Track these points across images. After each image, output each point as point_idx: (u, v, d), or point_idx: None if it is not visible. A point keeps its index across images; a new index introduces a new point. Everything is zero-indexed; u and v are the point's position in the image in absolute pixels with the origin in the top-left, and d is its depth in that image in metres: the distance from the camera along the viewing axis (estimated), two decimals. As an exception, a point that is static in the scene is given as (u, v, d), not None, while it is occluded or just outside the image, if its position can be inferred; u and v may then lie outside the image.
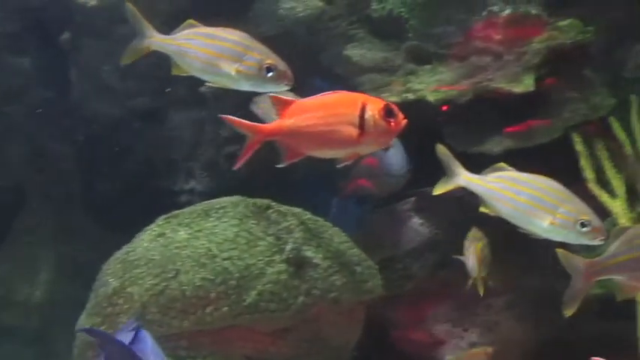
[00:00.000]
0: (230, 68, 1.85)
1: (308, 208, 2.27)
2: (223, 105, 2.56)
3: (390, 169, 2.52)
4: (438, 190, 1.92)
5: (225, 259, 2.06)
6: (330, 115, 1.85)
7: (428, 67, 2.48)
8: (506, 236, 1.98)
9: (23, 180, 3.15)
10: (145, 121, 3.03)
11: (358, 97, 1.88)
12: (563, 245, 1.80)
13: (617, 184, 2.23)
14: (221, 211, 2.20)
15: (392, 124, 1.84)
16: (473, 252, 2.14)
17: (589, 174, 2.23)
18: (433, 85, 2.40)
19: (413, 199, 2.52)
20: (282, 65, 1.84)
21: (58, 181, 3.16)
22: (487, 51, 2.40)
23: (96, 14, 2.93)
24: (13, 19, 3.03)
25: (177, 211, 2.25)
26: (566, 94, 2.33)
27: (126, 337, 1.28)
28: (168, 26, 1.97)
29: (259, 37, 1.90)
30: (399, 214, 2.52)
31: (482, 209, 1.86)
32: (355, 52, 2.57)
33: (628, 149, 2.25)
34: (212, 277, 2.03)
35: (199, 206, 2.25)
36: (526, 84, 2.28)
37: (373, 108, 1.83)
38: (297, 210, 2.24)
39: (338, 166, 1.94)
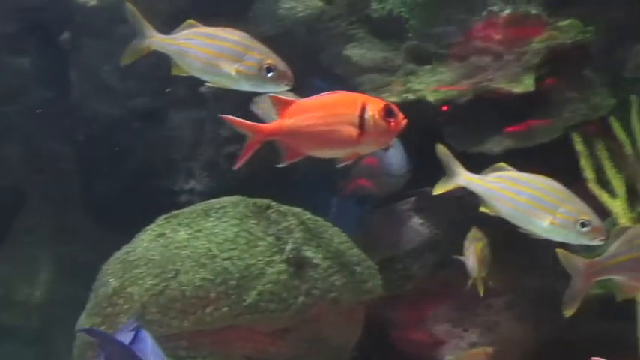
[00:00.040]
0: (230, 68, 1.85)
1: (308, 208, 2.27)
2: (223, 105, 2.56)
3: (389, 169, 2.52)
4: (438, 190, 1.92)
5: (225, 259, 2.06)
6: (330, 115, 1.85)
7: (428, 67, 2.48)
8: (506, 236, 1.98)
9: (23, 180, 3.15)
10: (145, 121, 3.03)
11: (358, 97, 1.88)
12: (562, 245, 1.80)
13: (617, 184, 2.23)
14: (221, 211, 2.20)
15: (392, 124, 1.84)
16: (473, 252, 2.14)
17: (589, 174, 2.23)
18: (433, 85, 2.39)
19: (413, 199, 2.52)
20: (282, 65, 1.84)
21: (57, 181, 3.16)
22: (487, 51, 2.40)
23: (96, 14, 2.93)
24: (13, 19, 3.03)
25: (177, 211, 2.25)
26: (566, 94, 2.33)
27: (126, 337, 1.28)
28: (168, 26, 1.97)
29: (259, 37, 1.90)
30: (398, 214, 2.52)
31: (482, 209, 1.86)
32: (355, 52, 2.56)
33: (628, 149, 2.25)
34: (212, 277, 2.03)
35: (199, 206, 2.25)
36: (526, 84, 2.28)
37: (373, 108, 1.83)
38: (297, 210, 2.24)
39: (338, 166, 1.94)
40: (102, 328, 2.05)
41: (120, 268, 2.13)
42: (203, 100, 2.83)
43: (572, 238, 1.77)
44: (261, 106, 2.33)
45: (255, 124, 1.92)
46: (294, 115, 1.87)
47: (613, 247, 1.77)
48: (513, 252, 2.27)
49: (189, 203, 2.43)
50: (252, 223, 2.16)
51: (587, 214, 1.75)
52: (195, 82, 2.05)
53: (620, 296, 1.81)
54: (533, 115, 2.32)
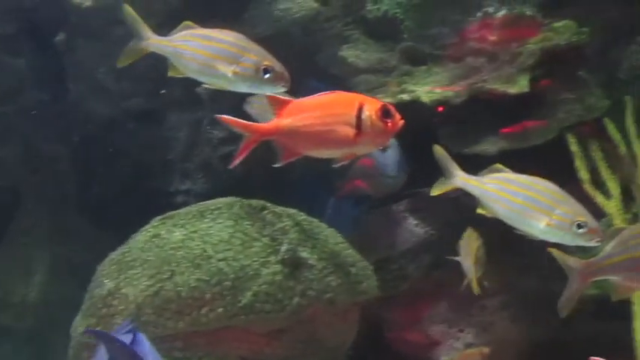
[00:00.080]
0: (227, 70, 1.85)
1: (304, 208, 2.27)
2: (219, 106, 2.56)
3: (385, 169, 2.52)
4: (435, 191, 1.92)
5: (220, 260, 2.06)
6: (327, 115, 1.85)
7: (423, 68, 2.48)
8: (501, 237, 1.99)
9: (18, 181, 3.15)
10: (141, 121, 3.03)
11: (355, 98, 1.88)
12: (557, 246, 1.80)
13: (612, 185, 2.23)
14: (216, 212, 2.20)
15: (389, 124, 1.84)
16: (468, 253, 2.14)
17: (584, 175, 2.23)
18: (428, 86, 2.40)
19: (408, 199, 2.52)
20: (278, 67, 1.84)
21: (53, 182, 3.16)
22: (482, 52, 2.40)
23: (91, 15, 2.93)
24: (8, 20, 3.03)
25: (172, 212, 2.24)
26: (561, 95, 2.33)
27: (124, 340, 1.28)
28: (164, 28, 1.97)
29: (255, 38, 1.90)
30: (394, 215, 2.52)
31: (479, 210, 1.86)
32: (350, 53, 2.57)
33: (623, 150, 2.25)
34: (207, 278, 2.03)
35: (194, 207, 2.25)
36: (521, 85, 2.29)
37: (370, 108, 1.83)
38: (292, 211, 2.24)
39: (334, 167, 1.94)
40: (97, 329, 2.05)
41: (115, 269, 2.13)
42: (199, 101, 2.83)
43: (568, 240, 1.77)
44: (255, 106, 2.34)
45: (252, 123, 1.92)
46: (291, 114, 1.87)
47: (609, 247, 1.77)
48: (509, 253, 2.27)
49: (184, 204, 2.43)
50: (248, 224, 2.16)
51: (583, 215, 1.75)
52: (191, 83, 2.05)
53: (615, 297, 1.81)
54: (528, 116, 2.32)
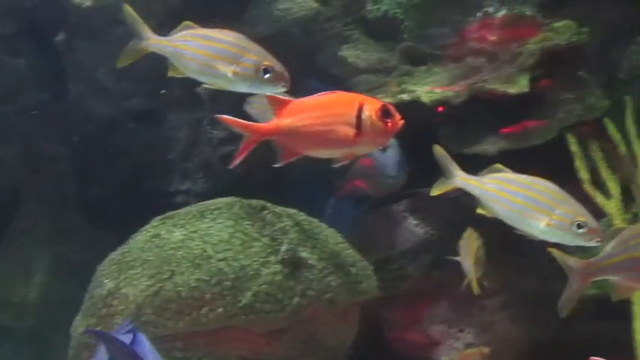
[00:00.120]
0: (227, 70, 1.85)
1: (304, 209, 2.27)
2: (219, 106, 2.56)
3: (385, 169, 2.52)
4: (436, 191, 1.92)
5: (220, 260, 2.06)
6: (327, 115, 1.85)
7: (423, 68, 2.48)
8: (501, 237, 1.99)
9: (18, 181, 3.15)
10: (141, 121, 3.03)
11: (355, 98, 1.88)
12: (557, 246, 1.80)
13: (612, 185, 2.23)
14: (216, 212, 2.19)
15: (389, 124, 1.84)
16: (468, 253, 2.14)
17: (584, 175, 2.23)
18: (428, 86, 2.40)
19: (408, 199, 2.52)
20: (278, 67, 1.84)
21: (53, 182, 3.16)
22: (482, 52, 2.40)
23: (91, 15, 2.93)
24: (8, 20, 3.03)
25: (172, 212, 2.24)
26: (561, 95, 2.33)
27: (124, 340, 1.28)
28: (164, 28, 1.97)
29: (255, 38, 1.90)
30: (394, 215, 2.52)
31: (479, 211, 1.86)
32: (350, 53, 2.57)
33: (623, 150, 2.25)
34: (207, 278, 2.03)
35: (194, 207, 2.25)
36: (521, 85, 2.29)
37: (370, 108, 1.83)
38: (292, 211, 2.24)
39: (334, 166, 1.94)
40: (97, 329, 2.05)
41: (115, 269, 2.13)
42: (199, 101, 2.83)
43: (568, 240, 1.77)
44: (255, 106, 2.34)
45: (252, 123, 1.92)
46: (291, 114, 1.87)
47: (609, 247, 1.77)
48: (509, 253, 2.27)
49: (184, 204, 2.43)
50: (248, 224, 2.15)
51: (583, 215, 1.75)
52: (191, 83, 2.05)
53: (615, 297, 1.81)
54: (528, 116, 2.32)
